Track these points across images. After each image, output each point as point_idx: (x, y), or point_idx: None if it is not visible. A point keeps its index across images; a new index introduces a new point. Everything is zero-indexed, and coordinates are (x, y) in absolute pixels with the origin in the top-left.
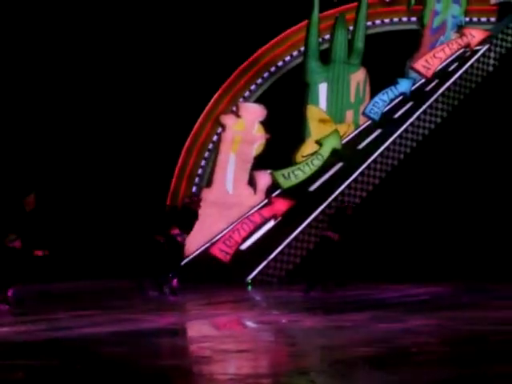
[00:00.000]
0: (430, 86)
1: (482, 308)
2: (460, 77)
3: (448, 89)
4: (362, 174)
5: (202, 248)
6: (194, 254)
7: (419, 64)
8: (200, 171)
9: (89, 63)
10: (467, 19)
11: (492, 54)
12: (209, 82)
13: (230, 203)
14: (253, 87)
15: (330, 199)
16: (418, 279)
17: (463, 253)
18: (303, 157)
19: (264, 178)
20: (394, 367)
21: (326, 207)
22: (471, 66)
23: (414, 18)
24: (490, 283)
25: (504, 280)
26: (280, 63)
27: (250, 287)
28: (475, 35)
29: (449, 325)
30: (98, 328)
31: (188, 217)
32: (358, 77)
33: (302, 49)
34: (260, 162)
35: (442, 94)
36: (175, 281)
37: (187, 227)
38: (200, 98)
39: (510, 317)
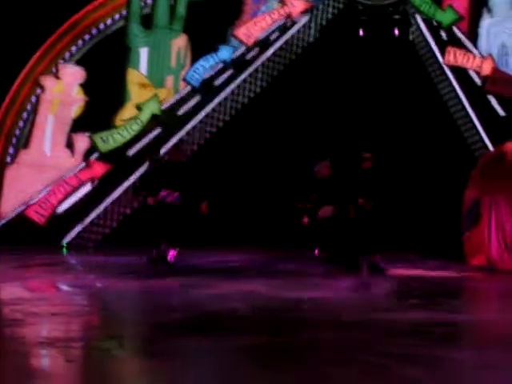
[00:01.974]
0: (251, 55)
1: (296, 275)
2: (281, 47)
3: (268, 58)
4: (180, 140)
5: (18, 210)
6: (10, 216)
7: (240, 32)
8: (17, 132)
9: None
10: None
11: (313, 25)
12: (28, 42)
13: (48, 165)
14: (73, 49)
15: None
16: (236, 245)
17: (280, 222)
18: (122, 121)
19: (82, 141)
20: (202, 332)
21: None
22: (292, 36)
23: None
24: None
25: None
26: (101, 26)
27: (65, 251)
28: (296, 5)
29: (262, 291)
30: None
31: (173, 173)
32: (180, 42)
33: (124, 12)
34: (79, 125)
35: (263, 63)
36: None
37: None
38: (19, 58)
39: (322, 284)
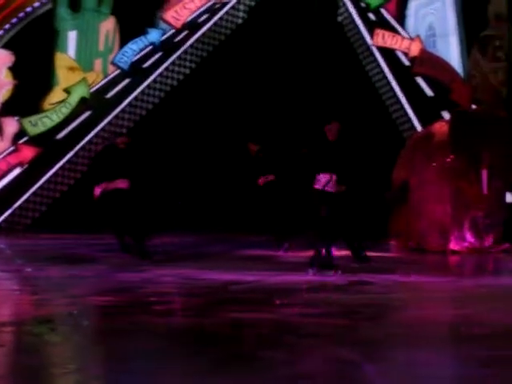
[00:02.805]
0: (180, 37)
1: (225, 258)
2: (209, 28)
3: (197, 40)
4: (110, 123)
5: None
6: None
7: (169, 14)
8: None
9: None
10: None
11: (241, 7)
12: None
13: None
14: (1, 32)
15: (78, 148)
16: (167, 230)
17: (214, 205)
18: (51, 104)
19: (11, 125)
20: (133, 315)
21: (72, 156)
22: (220, 18)
23: None
24: (243, 234)
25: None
26: (29, 9)
27: None
28: None
29: (190, 275)
30: None
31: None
32: (108, 25)
33: None
34: (7, 109)
35: (191, 46)
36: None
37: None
38: None
39: (250, 267)
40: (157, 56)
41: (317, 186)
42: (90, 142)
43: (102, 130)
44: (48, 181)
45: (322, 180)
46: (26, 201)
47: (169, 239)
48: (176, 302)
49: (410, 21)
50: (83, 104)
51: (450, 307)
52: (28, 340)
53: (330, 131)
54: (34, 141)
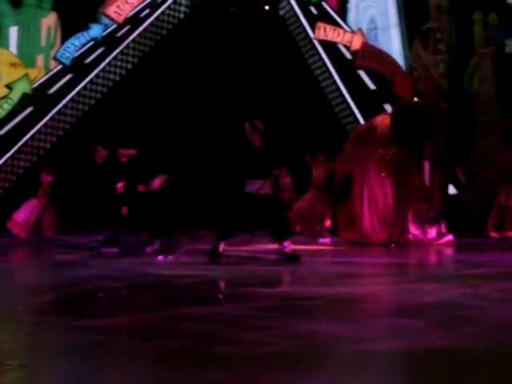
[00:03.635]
0: (122, 32)
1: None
2: (151, 23)
3: (139, 35)
4: (52, 119)
5: None
6: None
7: (111, 10)
8: None
9: None
10: None
11: (183, 2)
12: None
13: None
14: None
15: (20, 144)
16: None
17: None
18: None
19: None
20: (77, 312)
21: (15, 152)
22: (162, 12)
23: None
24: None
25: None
26: None
27: None
28: None
29: (137, 270)
30: None
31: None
32: (49, 21)
33: None
34: None
35: (133, 41)
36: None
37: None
38: None
39: (196, 261)
40: (99, 51)
41: (249, 190)
42: (32, 137)
43: (44, 125)
44: None
45: (256, 185)
46: None
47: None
48: (123, 298)
49: (352, 14)
50: (25, 100)
51: None
52: None
53: (255, 137)
54: None
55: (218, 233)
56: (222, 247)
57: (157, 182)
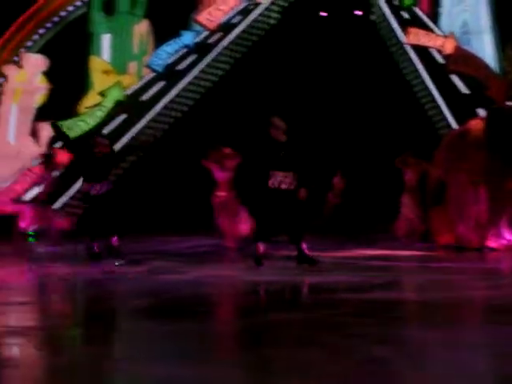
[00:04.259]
0: (214, 39)
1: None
2: (243, 30)
3: (231, 41)
4: (145, 125)
5: None
6: None
7: (203, 16)
8: None
9: None
10: None
11: (275, 8)
12: None
13: (12, 154)
14: (35, 37)
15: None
16: (201, 232)
17: None
18: (86, 108)
19: (46, 129)
20: (170, 318)
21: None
22: (254, 19)
23: None
24: None
25: None
26: (63, 13)
27: (32, 239)
28: None
29: (230, 276)
30: None
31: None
32: (142, 28)
33: None
34: (42, 113)
35: (225, 47)
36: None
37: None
38: None
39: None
40: (191, 58)
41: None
42: (126, 144)
43: (138, 132)
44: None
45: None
46: (64, 204)
47: (201, 241)
48: (216, 304)
49: (444, 18)
50: (118, 107)
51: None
52: (64, 343)
53: (278, 134)
54: (70, 145)
55: (255, 234)
56: (262, 249)
57: None
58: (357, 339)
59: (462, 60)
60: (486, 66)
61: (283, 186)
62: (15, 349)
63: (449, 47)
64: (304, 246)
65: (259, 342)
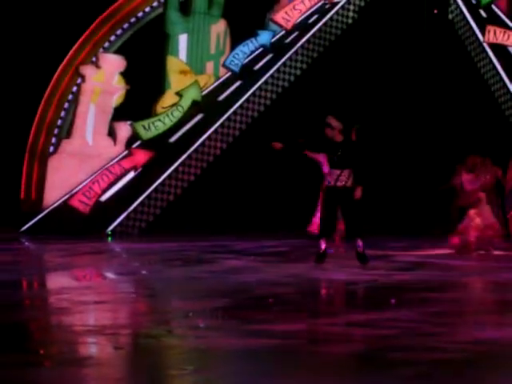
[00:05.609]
0: (290, 38)
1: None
2: (320, 29)
3: (308, 41)
4: (222, 125)
5: (62, 200)
6: (54, 206)
7: (279, 16)
8: (60, 122)
9: None
10: None
11: (351, 7)
12: (68, 32)
13: (90, 154)
14: (113, 38)
15: (190, 151)
16: (274, 231)
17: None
18: (163, 108)
19: (124, 129)
20: (250, 317)
21: (186, 158)
22: (331, 18)
23: None
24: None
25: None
26: (140, 14)
27: (110, 239)
28: None
29: (307, 275)
30: None
31: None
32: (219, 28)
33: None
34: (120, 113)
35: (302, 47)
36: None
37: None
38: (59, 48)
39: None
40: (268, 58)
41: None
42: (202, 144)
43: (215, 132)
44: (162, 184)
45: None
46: (141, 204)
47: (277, 242)
48: (295, 304)
49: None
50: (195, 107)
51: None
52: (145, 342)
53: (333, 134)
54: (147, 145)
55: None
56: (323, 246)
57: None
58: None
59: None
60: None
61: (339, 184)
62: (95, 348)
63: None
64: (360, 243)
65: (331, 342)
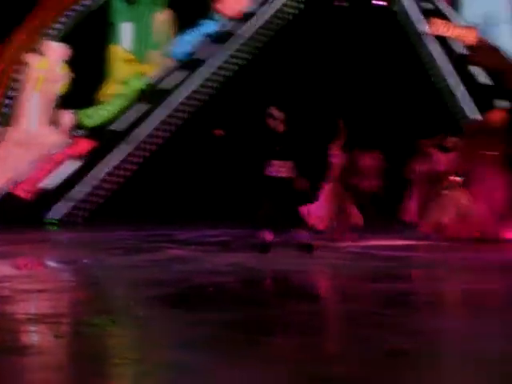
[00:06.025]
0: (235, 28)
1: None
2: (266, 19)
3: (252, 31)
4: (167, 114)
5: (6, 188)
6: None
7: (224, 5)
8: (5, 110)
9: None
10: None
11: None
12: (11, 19)
13: (34, 142)
14: (57, 26)
15: (134, 140)
16: (216, 221)
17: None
18: (107, 97)
19: (68, 117)
20: (189, 306)
21: (129, 147)
22: (276, 8)
23: None
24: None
25: None
26: (85, 2)
27: (53, 227)
28: None
29: (248, 265)
30: None
31: None
32: (163, 17)
33: None
34: (64, 102)
35: (246, 37)
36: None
37: None
38: (1, 35)
39: (313, 256)
40: (212, 47)
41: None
42: (147, 133)
43: (159, 122)
44: (105, 173)
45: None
46: (84, 193)
47: (219, 231)
48: (234, 293)
49: (465, 9)
50: (139, 95)
51: None
52: (85, 331)
53: (275, 124)
54: (91, 133)
55: (257, 223)
56: (268, 237)
57: None
58: (378, 330)
59: (484, 51)
60: (507, 58)
61: (281, 175)
62: (36, 336)
63: (470, 38)
64: (300, 233)
65: (275, 333)
